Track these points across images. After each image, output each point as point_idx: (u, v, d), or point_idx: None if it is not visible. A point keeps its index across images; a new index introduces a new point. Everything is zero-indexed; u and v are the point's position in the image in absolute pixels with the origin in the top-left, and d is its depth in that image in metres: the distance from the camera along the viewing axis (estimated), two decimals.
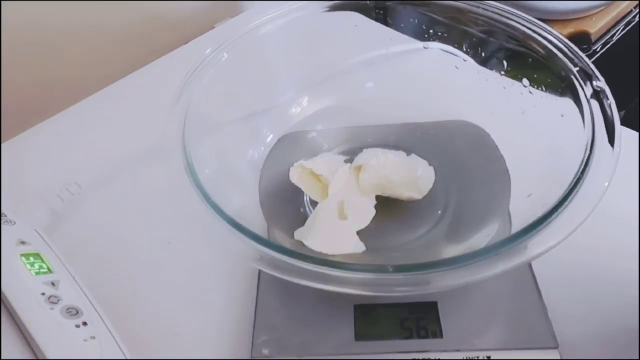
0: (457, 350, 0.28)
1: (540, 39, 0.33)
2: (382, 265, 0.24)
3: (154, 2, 0.62)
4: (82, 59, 0.58)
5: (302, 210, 0.35)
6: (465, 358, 0.28)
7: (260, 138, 0.39)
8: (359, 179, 0.34)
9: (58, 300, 0.29)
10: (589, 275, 0.33)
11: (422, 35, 0.40)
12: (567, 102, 0.31)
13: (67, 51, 0.57)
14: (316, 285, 0.24)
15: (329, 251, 0.31)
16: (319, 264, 0.24)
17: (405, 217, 0.34)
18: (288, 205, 0.35)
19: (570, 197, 0.25)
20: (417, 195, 0.34)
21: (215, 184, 0.30)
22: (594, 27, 0.69)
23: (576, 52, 0.32)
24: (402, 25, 0.42)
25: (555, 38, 0.33)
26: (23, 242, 0.33)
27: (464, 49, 0.39)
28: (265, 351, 0.29)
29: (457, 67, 0.39)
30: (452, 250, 0.31)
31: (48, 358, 0.27)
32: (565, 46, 0.33)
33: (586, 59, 0.32)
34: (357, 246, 0.32)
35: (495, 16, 0.36)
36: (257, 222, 0.33)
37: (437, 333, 0.29)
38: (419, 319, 0.29)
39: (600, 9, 0.71)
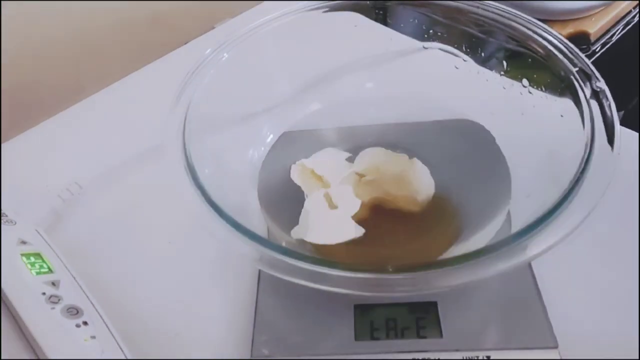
0: (457, 350, 0.28)
1: (540, 39, 0.34)
2: (382, 265, 0.24)
3: (154, 2, 0.62)
4: (83, 59, 0.58)
5: (302, 209, 0.35)
6: (465, 358, 0.28)
7: (260, 138, 0.39)
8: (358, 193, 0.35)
9: (59, 300, 0.29)
10: (589, 275, 0.33)
11: (422, 35, 0.40)
12: (567, 103, 0.31)
13: (67, 51, 0.57)
14: (316, 286, 0.24)
15: (331, 241, 0.31)
16: (319, 264, 0.24)
17: (404, 217, 0.34)
18: (288, 204, 0.35)
19: (570, 197, 0.25)
20: (415, 208, 0.34)
21: (215, 184, 0.30)
22: (594, 27, 0.69)
23: (576, 52, 0.32)
24: (402, 25, 0.42)
25: (555, 38, 0.33)
26: (24, 242, 0.33)
27: (464, 49, 0.39)
28: (265, 351, 0.29)
29: (456, 67, 0.39)
30: (452, 250, 0.31)
31: (48, 358, 0.27)
32: (564, 46, 0.33)
33: (586, 59, 0.32)
34: (357, 231, 0.32)
35: (495, 16, 0.36)
36: (257, 222, 0.33)
37: (437, 333, 0.29)
38: (419, 319, 0.29)
39: (600, 9, 0.71)
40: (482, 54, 0.38)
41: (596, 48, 0.71)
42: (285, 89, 0.41)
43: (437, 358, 0.28)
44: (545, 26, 0.34)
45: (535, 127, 0.34)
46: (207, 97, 0.34)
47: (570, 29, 0.69)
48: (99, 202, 0.40)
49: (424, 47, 0.40)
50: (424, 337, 0.29)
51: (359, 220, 0.33)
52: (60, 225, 0.39)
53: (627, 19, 0.73)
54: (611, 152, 0.27)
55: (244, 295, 0.33)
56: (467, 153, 0.37)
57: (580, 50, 0.32)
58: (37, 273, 0.31)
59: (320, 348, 0.29)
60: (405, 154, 0.37)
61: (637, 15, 0.74)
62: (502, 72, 0.37)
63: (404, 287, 0.24)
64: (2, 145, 0.46)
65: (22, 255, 0.32)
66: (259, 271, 0.32)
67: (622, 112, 0.82)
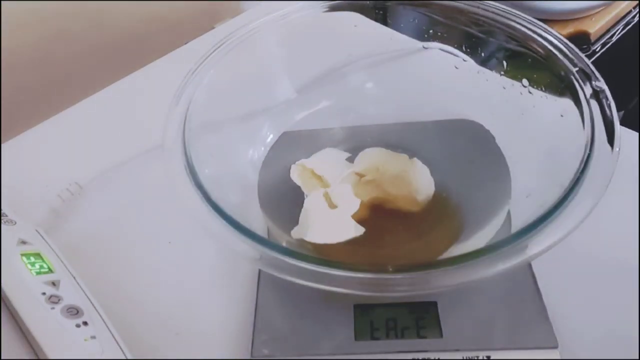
0: (457, 350, 0.28)
1: (539, 39, 0.34)
2: (382, 265, 0.24)
3: (154, 2, 0.62)
4: (83, 58, 0.58)
5: (301, 209, 0.35)
6: (465, 358, 0.28)
7: (260, 138, 0.39)
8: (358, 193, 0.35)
9: (59, 300, 0.29)
10: (589, 275, 0.33)
11: (421, 35, 0.40)
12: (567, 102, 0.31)
13: (67, 51, 0.57)
14: (316, 285, 0.24)
15: (331, 241, 0.31)
16: (319, 264, 0.24)
17: (404, 217, 0.34)
18: (288, 204, 0.35)
19: (570, 197, 0.25)
20: (415, 208, 0.34)
21: (215, 184, 0.30)
22: (594, 27, 0.69)
23: (576, 52, 0.32)
24: (401, 25, 0.42)
25: (555, 38, 0.33)
26: (24, 242, 0.33)
27: (464, 49, 0.39)
28: (265, 351, 0.29)
29: (456, 67, 0.39)
30: (452, 250, 0.31)
31: (49, 358, 0.27)
32: (564, 46, 0.33)
33: (586, 59, 0.32)
34: (357, 230, 0.32)
35: (495, 16, 0.36)
36: (257, 222, 0.33)
37: (437, 333, 0.29)
38: (419, 318, 0.29)
39: (600, 9, 0.71)
40: (482, 54, 0.38)
41: (596, 48, 0.71)
42: (285, 89, 0.41)
43: (437, 358, 0.28)
44: (545, 26, 0.34)
45: (535, 127, 0.34)
46: (207, 97, 0.34)
47: (570, 29, 0.69)
48: (99, 202, 0.40)
49: (424, 47, 0.40)
50: (424, 337, 0.29)
51: (359, 220, 0.33)
52: (60, 225, 0.39)
53: (627, 19, 0.73)
54: (611, 152, 0.27)
55: (244, 295, 0.33)
56: (467, 153, 0.37)
57: (580, 50, 0.32)
58: (37, 273, 0.31)
59: (320, 348, 0.29)
60: (405, 154, 0.37)
61: (637, 15, 0.74)
62: (502, 72, 0.37)
63: (404, 287, 0.24)
64: (2, 145, 0.46)
65: (22, 255, 0.32)
66: (259, 271, 0.32)
67: (622, 112, 0.82)
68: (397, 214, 0.34)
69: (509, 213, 0.32)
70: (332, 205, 0.34)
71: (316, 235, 0.32)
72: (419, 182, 0.35)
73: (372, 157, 0.37)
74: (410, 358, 0.28)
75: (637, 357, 0.29)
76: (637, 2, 0.73)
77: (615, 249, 0.34)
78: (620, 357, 0.29)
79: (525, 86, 0.35)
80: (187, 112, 0.32)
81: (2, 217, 0.34)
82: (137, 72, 0.53)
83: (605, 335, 0.30)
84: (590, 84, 0.30)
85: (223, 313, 0.33)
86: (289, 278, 0.24)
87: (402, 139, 0.39)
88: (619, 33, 0.73)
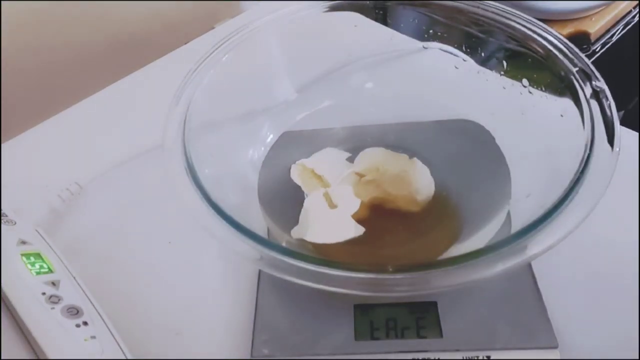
0: (457, 350, 0.28)
1: (539, 39, 0.34)
2: (382, 265, 0.24)
3: (154, 2, 0.62)
4: (83, 58, 0.58)
5: (301, 209, 0.35)
6: (465, 358, 0.28)
7: (260, 138, 0.39)
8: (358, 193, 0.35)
9: (59, 300, 0.29)
10: (589, 275, 0.33)
11: (422, 35, 0.40)
12: (567, 102, 0.31)
13: (67, 51, 0.57)
14: (316, 286, 0.24)
15: (331, 240, 0.31)
16: (319, 264, 0.24)
17: (404, 217, 0.34)
18: (288, 204, 0.35)
19: (570, 197, 0.25)
20: (415, 208, 0.34)
21: (215, 184, 0.30)
22: (594, 27, 0.69)
23: (576, 52, 0.32)
24: (402, 25, 0.42)
25: (555, 38, 0.33)
26: (24, 242, 0.33)
27: (464, 49, 0.39)
28: (265, 351, 0.29)
29: (456, 67, 0.39)
30: (452, 250, 0.31)
31: (49, 358, 0.27)
32: (564, 46, 0.33)
33: (586, 59, 0.32)
34: (357, 230, 0.32)
35: (495, 16, 0.36)
36: (257, 222, 0.33)
37: (437, 333, 0.29)
38: (419, 318, 0.29)
39: (600, 9, 0.71)
40: (482, 54, 0.38)
41: (596, 48, 0.71)
42: (285, 89, 0.41)
43: (437, 358, 0.28)
44: (545, 26, 0.34)
45: (535, 127, 0.34)
46: (207, 97, 0.34)
47: (570, 29, 0.69)
48: (99, 202, 0.40)
49: (424, 47, 0.40)
50: (424, 337, 0.29)
51: (359, 220, 0.33)
52: (60, 225, 0.39)
53: (627, 19, 0.73)
54: (611, 152, 0.27)
55: (244, 295, 0.33)
56: (467, 153, 0.37)
57: (580, 50, 0.32)
58: (37, 273, 0.31)
59: (320, 348, 0.29)
60: (405, 154, 0.37)
61: (637, 15, 0.74)
62: (502, 72, 0.37)
63: (404, 287, 0.24)
64: (2, 145, 0.46)
65: (22, 255, 0.32)
66: (259, 271, 0.32)
67: (622, 112, 0.82)
68: (397, 214, 0.34)
69: (509, 213, 0.32)
70: (332, 205, 0.34)
71: (316, 235, 0.32)
72: (419, 182, 0.35)
73: (372, 157, 0.37)
74: (410, 358, 0.28)
75: (637, 357, 0.29)
76: (637, 2, 0.73)
77: (615, 249, 0.34)
78: (620, 357, 0.29)
79: (525, 86, 0.35)
80: (187, 112, 0.32)
81: (2, 217, 0.34)
82: (137, 72, 0.53)
83: (605, 335, 0.30)
84: (590, 84, 0.30)
85: (223, 313, 0.33)
86: (289, 278, 0.24)
87: (402, 139, 0.39)
88: (619, 33, 0.73)
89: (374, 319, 0.29)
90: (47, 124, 0.48)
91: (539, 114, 0.34)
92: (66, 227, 0.39)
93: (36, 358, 0.29)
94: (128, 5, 0.60)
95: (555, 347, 0.27)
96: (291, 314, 0.30)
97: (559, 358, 0.27)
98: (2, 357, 0.30)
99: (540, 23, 0.34)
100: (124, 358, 0.28)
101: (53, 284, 0.30)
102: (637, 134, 0.40)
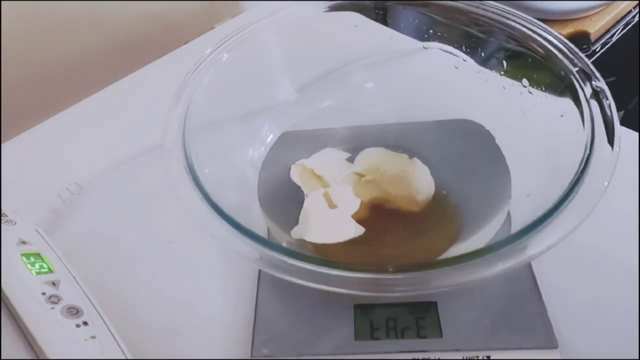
0: (457, 350, 0.28)
1: (539, 39, 0.34)
2: (382, 265, 0.24)
3: (154, 2, 0.62)
4: (82, 59, 0.58)
5: (301, 209, 0.35)
6: (464, 358, 0.28)
7: (260, 138, 0.39)
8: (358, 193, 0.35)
9: (58, 300, 0.29)
10: (589, 275, 0.33)
11: (422, 35, 0.40)
12: (567, 102, 0.31)
13: (68, 51, 0.57)
14: (316, 286, 0.24)
15: (331, 241, 0.31)
16: (319, 264, 0.24)
17: (404, 217, 0.34)
18: (288, 204, 0.35)
19: (570, 197, 0.25)
20: (415, 208, 0.34)
21: (215, 184, 0.30)
22: (594, 27, 0.69)
23: (576, 52, 0.32)
24: (402, 25, 0.42)
25: (555, 38, 0.33)
26: (24, 242, 0.33)
27: (464, 49, 0.39)
28: (265, 351, 0.29)
29: (456, 67, 0.39)
30: (452, 250, 0.31)
31: (48, 358, 0.27)
32: (564, 46, 0.33)
33: (586, 59, 0.32)
34: (357, 230, 0.32)
35: (495, 16, 0.36)
36: (257, 222, 0.33)
37: (437, 333, 0.29)
38: (419, 318, 0.29)
39: (600, 9, 0.71)
40: (482, 54, 0.38)
41: (596, 48, 0.71)
42: (285, 89, 0.41)
43: (437, 358, 0.28)
44: (545, 26, 0.34)
45: (535, 127, 0.34)
46: (207, 97, 0.34)
47: (570, 28, 0.69)
48: (99, 202, 0.40)
49: (424, 47, 0.40)
50: (424, 337, 0.29)
51: (359, 220, 0.33)
52: (60, 225, 0.39)
53: (627, 19, 0.73)
54: (611, 152, 0.27)
55: (244, 295, 0.33)
56: (467, 153, 0.37)
57: (580, 50, 0.32)
58: (37, 273, 0.31)
59: (320, 348, 0.29)
60: (405, 154, 0.37)
61: (637, 15, 0.74)
62: (502, 72, 0.37)
63: (404, 287, 0.24)
64: (2, 145, 0.46)
65: (22, 255, 0.32)
66: (259, 271, 0.32)
67: (622, 112, 0.82)
68: (397, 214, 0.34)
69: (509, 213, 0.32)
70: (332, 205, 0.34)
71: (316, 235, 0.32)
72: (419, 182, 0.35)
73: (372, 157, 0.37)
74: (410, 358, 0.28)
75: (637, 357, 0.29)
76: (637, 2, 0.73)
77: (615, 249, 0.34)
78: (620, 357, 0.29)
79: (525, 86, 0.35)
80: (187, 112, 0.32)
81: (2, 217, 0.34)
82: (137, 72, 0.53)
83: (605, 335, 0.30)
84: (590, 84, 0.30)
85: (223, 313, 0.33)
86: (289, 278, 0.24)
87: (402, 139, 0.39)
88: (619, 33, 0.73)
89: (374, 319, 0.29)
90: (47, 124, 0.48)
91: (539, 114, 0.34)
92: (66, 227, 0.39)
93: (36, 358, 0.29)
94: (128, 5, 0.60)
95: (555, 347, 0.27)
96: (291, 314, 0.30)
97: (559, 358, 0.27)
98: (2, 357, 0.30)
99: (540, 23, 0.34)
100: (124, 358, 0.28)
101: (53, 284, 0.30)
102: (637, 134, 0.40)
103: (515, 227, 0.29)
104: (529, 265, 0.31)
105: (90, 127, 0.48)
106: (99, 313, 0.30)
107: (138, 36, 0.62)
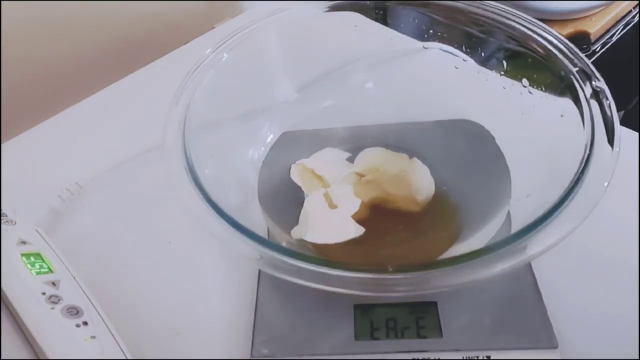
0: (457, 350, 0.28)
1: (539, 39, 0.34)
2: (382, 265, 0.24)
3: (154, 2, 0.62)
4: (83, 58, 0.58)
5: (301, 209, 0.35)
6: (464, 358, 0.28)
7: (260, 138, 0.39)
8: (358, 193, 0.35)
9: (59, 300, 0.29)
10: (588, 275, 0.33)
11: (422, 35, 0.40)
12: (567, 102, 0.31)
13: (68, 51, 0.57)
14: (316, 286, 0.24)
15: (331, 241, 0.31)
16: (319, 264, 0.24)
17: (404, 217, 0.34)
18: (288, 204, 0.35)
19: (570, 197, 0.25)
20: (415, 208, 0.34)
21: (215, 184, 0.30)
22: (594, 27, 0.69)
23: (576, 52, 0.32)
24: (402, 25, 0.42)
25: (555, 38, 0.33)
26: (24, 242, 0.33)
27: (464, 49, 0.39)
28: (265, 351, 0.29)
29: (456, 67, 0.39)
30: (452, 250, 0.31)
31: (48, 358, 0.27)
32: (564, 46, 0.33)
33: (586, 59, 0.32)
34: (357, 230, 0.32)
35: (495, 16, 0.36)
36: (257, 222, 0.33)
37: (437, 333, 0.29)
38: (419, 318, 0.29)
39: (600, 9, 0.71)
40: (482, 54, 0.38)
41: (596, 48, 0.71)
42: (285, 89, 0.41)
43: (437, 358, 0.28)
44: (545, 26, 0.34)
45: (535, 127, 0.34)
46: (207, 97, 0.34)
47: (570, 28, 0.69)
48: (99, 202, 0.40)
49: (424, 47, 0.40)
50: (424, 337, 0.29)
51: (359, 220, 0.33)
52: (60, 225, 0.39)
53: (627, 19, 0.73)
54: (611, 152, 0.27)
55: (244, 295, 0.33)
56: (467, 153, 0.37)
57: (580, 50, 0.32)
58: (37, 273, 0.31)
59: (320, 348, 0.29)
60: (405, 154, 0.37)
61: (637, 15, 0.74)
62: (502, 72, 0.37)
63: (404, 287, 0.24)
64: (2, 145, 0.46)
65: (22, 255, 0.32)
66: (259, 271, 0.32)
67: (622, 112, 0.82)
68: (397, 214, 0.34)
69: (509, 213, 0.32)
70: (332, 205, 0.34)
71: (316, 235, 0.32)
72: (419, 182, 0.35)
73: (372, 157, 0.37)
74: (410, 358, 0.28)
75: (637, 357, 0.29)
76: (637, 2, 0.73)
77: (615, 249, 0.34)
78: (620, 357, 0.29)
79: (525, 86, 0.35)
80: (187, 112, 0.32)
81: (2, 217, 0.34)
82: (137, 72, 0.53)
83: (605, 335, 0.30)
84: (590, 84, 0.30)
85: (223, 313, 0.33)
86: (289, 278, 0.24)
87: (402, 139, 0.39)
88: (619, 33, 0.73)
89: (374, 319, 0.29)
90: (47, 124, 0.48)
91: (539, 114, 0.34)
92: (66, 227, 0.39)
93: (36, 358, 0.29)
94: (128, 5, 0.60)
95: (555, 347, 0.27)
96: (291, 314, 0.30)
97: (559, 358, 0.27)
98: (2, 357, 0.30)
99: (540, 23, 0.34)
100: (124, 358, 0.28)
101: (53, 284, 0.30)
102: (637, 134, 0.40)
103: (515, 227, 0.29)
104: (529, 265, 0.31)
105: (90, 127, 0.48)
106: (99, 313, 0.30)
107: (138, 36, 0.62)
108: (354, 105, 0.42)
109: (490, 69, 0.37)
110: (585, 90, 0.30)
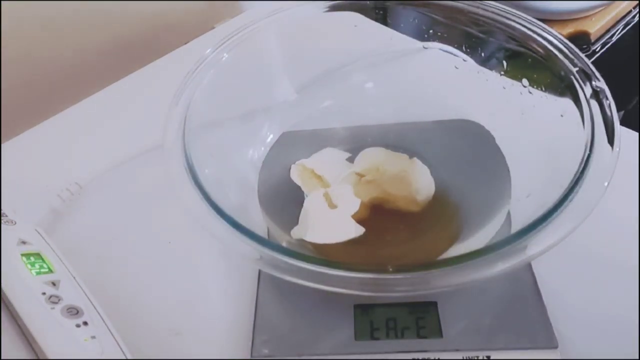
0: (457, 350, 0.28)
1: (539, 39, 0.34)
2: (382, 265, 0.24)
3: (154, 2, 0.62)
4: (83, 59, 0.58)
5: (301, 209, 0.35)
6: (464, 358, 0.28)
7: (260, 138, 0.39)
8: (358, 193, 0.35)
9: (59, 300, 0.29)
10: (588, 275, 0.33)
11: (422, 35, 0.40)
12: (567, 102, 0.31)
13: (68, 51, 0.57)
14: (316, 286, 0.24)
15: (331, 241, 0.31)
16: (319, 264, 0.24)
17: (404, 217, 0.34)
18: (288, 204, 0.35)
19: (570, 197, 0.25)
20: (415, 208, 0.34)
21: (215, 184, 0.30)
22: (594, 27, 0.69)
23: (576, 52, 0.32)
24: (402, 25, 0.42)
25: (555, 38, 0.33)
26: (24, 242, 0.33)
27: (464, 49, 0.39)
28: (265, 351, 0.29)
29: (456, 67, 0.39)
30: (452, 250, 0.31)
31: (49, 358, 0.27)
32: (564, 46, 0.33)
33: (586, 59, 0.32)
34: (357, 230, 0.32)
35: (495, 16, 0.36)
36: (257, 222, 0.33)
37: (437, 333, 0.29)
38: (419, 318, 0.29)
39: (600, 9, 0.71)
40: (482, 54, 0.38)
41: (596, 48, 0.71)
42: (285, 89, 0.41)
43: (437, 358, 0.28)
44: (545, 26, 0.34)
45: (535, 127, 0.34)
46: (207, 97, 0.34)
47: (570, 28, 0.69)
48: (99, 202, 0.40)
49: (424, 47, 0.40)
50: (424, 337, 0.29)
51: (359, 220, 0.33)
52: (60, 225, 0.39)
53: (627, 19, 0.73)
54: (611, 152, 0.27)
55: (244, 295, 0.33)
56: (467, 153, 0.37)
57: (580, 50, 0.32)
58: (37, 273, 0.31)
59: (320, 348, 0.29)
60: (405, 154, 0.37)
61: (637, 15, 0.74)
62: (502, 72, 0.37)
63: (404, 287, 0.24)
64: (2, 145, 0.46)
65: (22, 255, 0.32)
66: (259, 271, 0.32)
67: (622, 112, 0.82)
68: (397, 214, 0.34)
69: (509, 213, 0.32)
70: (332, 205, 0.34)
71: (316, 235, 0.32)
72: (419, 182, 0.35)
73: (372, 157, 0.37)
74: (410, 358, 0.28)
75: (637, 357, 0.29)
76: (637, 2, 0.73)
77: (615, 249, 0.34)
78: (620, 357, 0.29)
79: (525, 86, 0.35)
80: (187, 112, 0.32)
81: (2, 217, 0.34)
82: (137, 72, 0.53)
83: (605, 335, 0.30)
84: (590, 84, 0.30)
85: (223, 313, 0.33)
86: (289, 278, 0.24)
87: (402, 139, 0.39)
88: (619, 33, 0.73)
89: (374, 319, 0.29)
90: (47, 124, 0.48)
91: (539, 114, 0.34)
92: (66, 227, 0.39)
93: (36, 358, 0.29)
94: (128, 5, 0.60)
95: (555, 347, 0.27)
96: (291, 314, 0.30)
97: (559, 358, 0.27)
98: (2, 357, 0.30)
99: (540, 23, 0.34)
100: (124, 358, 0.28)
101: (53, 284, 0.30)
102: (637, 134, 0.40)
103: (515, 227, 0.29)
104: (529, 265, 0.31)
105: (90, 127, 0.48)
106: (99, 313, 0.30)
107: (138, 36, 0.62)
108: (354, 105, 0.42)
109: (490, 69, 0.37)
110: (585, 90, 0.30)
